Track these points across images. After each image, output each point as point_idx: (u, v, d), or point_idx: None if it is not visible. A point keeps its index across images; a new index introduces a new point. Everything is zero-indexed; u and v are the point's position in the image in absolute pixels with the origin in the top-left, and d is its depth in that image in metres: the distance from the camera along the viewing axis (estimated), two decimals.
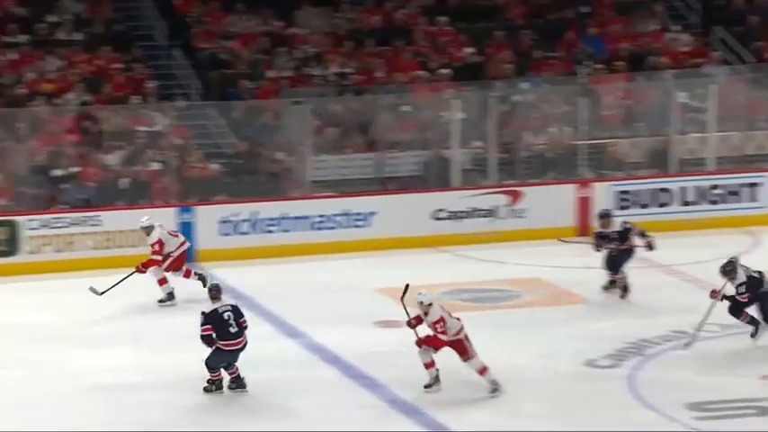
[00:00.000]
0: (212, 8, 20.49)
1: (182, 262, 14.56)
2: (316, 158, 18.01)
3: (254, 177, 17.74)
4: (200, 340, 10.96)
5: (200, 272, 14.63)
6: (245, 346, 11.06)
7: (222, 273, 15.73)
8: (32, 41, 19.02)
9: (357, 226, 17.24)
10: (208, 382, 11.06)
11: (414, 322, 10.97)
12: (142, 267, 14.36)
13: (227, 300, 11.25)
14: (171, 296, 14.37)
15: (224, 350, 10.94)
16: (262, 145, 18.10)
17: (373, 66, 19.96)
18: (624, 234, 14.14)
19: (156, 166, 17.46)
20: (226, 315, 10.96)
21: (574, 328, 13.20)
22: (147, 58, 19.58)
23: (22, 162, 16.95)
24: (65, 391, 11.25)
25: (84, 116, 17.70)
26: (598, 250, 14.28)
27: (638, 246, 14.16)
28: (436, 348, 10.90)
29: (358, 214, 17.27)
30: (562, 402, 11.00)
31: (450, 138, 18.18)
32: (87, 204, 16.65)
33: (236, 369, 11.10)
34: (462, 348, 10.90)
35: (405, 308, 11.16)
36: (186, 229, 16.39)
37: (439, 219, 17.44)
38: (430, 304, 10.88)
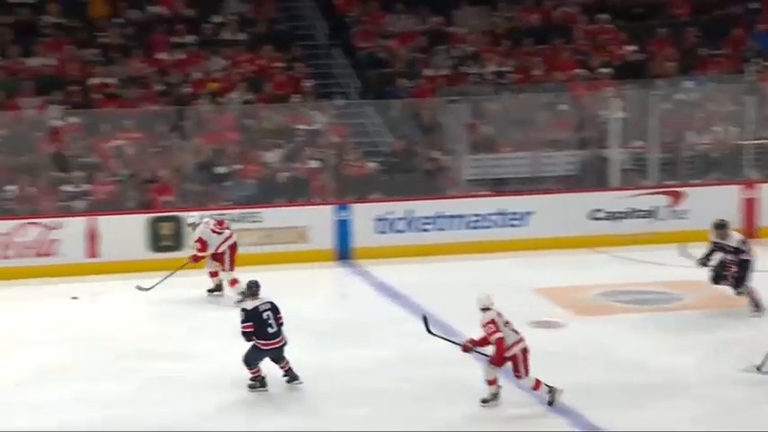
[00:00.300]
0: (372, 8, 20.68)
1: (228, 256, 14.55)
2: (471, 157, 17.98)
3: (409, 176, 17.82)
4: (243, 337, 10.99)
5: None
6: (284, 344, 11.05)
7: (377, 271, 15.90)
8: (199, 42, 19.51)
9: (513, 225, 17.13)
10: (251, 380, 11.06)
11: (470, 345, 10.68)
12: (192, 261, 14.62)
13: (265, 297, 11.17)
14: (218, 287, 14.58)
15: (261, 349, 10.95)
16: (418, 143, 18.18)
17: (531, 64, 19.83)
18: (739, 248, 13.57)
19: (314, 163, 17.70)
20: (265, 315, 10.95)
21: (735, 331, 12.84)
22: (308, 57, 19.87)
23: (188, 159, 17.40)
24: (222, 383, 11.40)
25: (245, 114, 18.08)
26: (704, 264, 13.70)
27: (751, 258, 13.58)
28: (498, 364, 10.59)
29: (514, 213, 17.16)
30: (725, 408, 10.71)
31: (608, 137, 17.91)
32: (248, 201, 16.99)
33: (287, 362, 11.11)
34: (514, 366, 10.59)
35: (442, 338, 10.91)
36: (343, 226, 16.59)
37: (596, 219, 17.19)
38: (486, 309, 10.60)
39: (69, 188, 16.60)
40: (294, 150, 17.84)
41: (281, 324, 11.04)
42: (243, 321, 10.91)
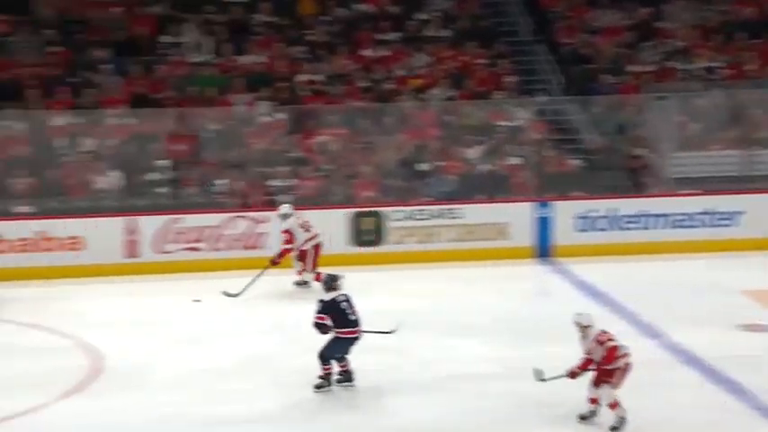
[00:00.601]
0: (576, 3, 20.41)
1: (311, 256, 14.68)
2: (677, 155, 17.50)
3: (612, 173, 17.51)
4: (326, 328, 10.90)
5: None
6: (360, 336, 10.96)
7: (578, 269, 15.69)
8: (403, 38, 19.69)
9: (721, 225, 16.61)
10: (320, 378, 10.92)
11: (578, 371, 10.15)
12: (277, 259, 14.63)
13: (343, 290, 11.10)
14: (306, 283, 14.61)
15: (342, 338, 10.86)
16: (621, 141, 17.82)
17: (744, 59, 19.14)
18: None
19: (515, 160, 17.60)
20: (343, 305, 10.91)
21: None
22: (511, 53, 19.78)
23: (389, 155, 17.58)
24: (422, 379, 11.48)
25: (446, 111, 18.14)
26: None
27: None
28: (612, 384, 10.05)
29: (723, 213, 16.63)
30: None
31: None
32: (448, 197, 17.04)
33: (348, 362, 11.00)
34: (612, 375, 10.02)
35: (551, 378, 10.32)
36: (543, 224, 16.44)
37: None
38: (588, 326, 10.11)
39: (276, 182, 17.04)
40: (495, 147, 17.79)
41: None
42: (318, 312, 10.92)
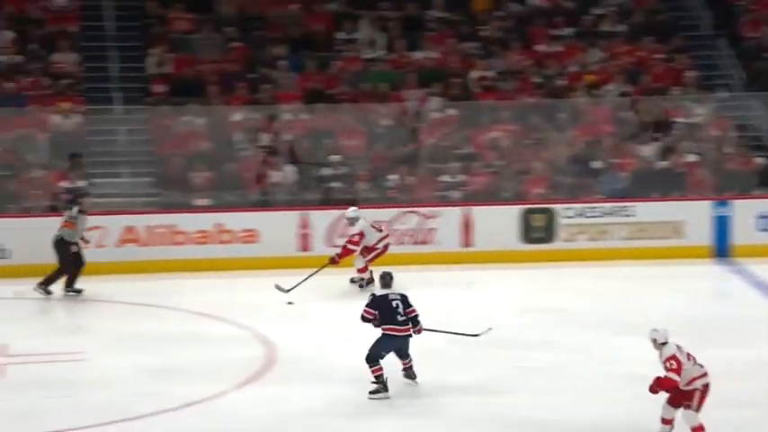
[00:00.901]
0: None
1: (376, 253, 14.65)
2: None
3: None
4: (380, 321, 10.74)
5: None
6: (410, 336, 10.79)
7: (758, 269, 15.20)
8: (577, 33, 19.44)
9: None
10: (374, 382, 10.66)
11: (656, 389, 9.54)
12: (337, 258, 14.50)
13: (397, 290, 10.97)
14: (369, 281, 14.37)
15: (388, 335, 10.71)
16: None
17: None
18: None
19: (692, 157, 17.17)
20: (394, 303, 10.77)
21: None
22: (690, 48, 19.29)
23: (561, 151, 17.39)
24: (594, 377, 11.33)
25: (621, 107, 17.83)
26: None
27: None
28: (691, 407, 9.48)
29: None
30: None
31: None
32: (621, 195, 16.75)
33: (410, 360, 10.86)
34: (689, 398, 9.47)
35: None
36: (721, 222, 15.99)
37: None
38: (664, 343, 9.51)
39: (446, 178, 17.06)
40: (671, 144, 17.38)
41: (414, 316, 10.87)
42: (367, 305, 10.87)
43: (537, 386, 11.01)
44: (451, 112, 17.72)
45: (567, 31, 19.46)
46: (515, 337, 12.40)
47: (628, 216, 16.31)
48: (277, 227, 16.03)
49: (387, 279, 11.11)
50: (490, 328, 11.49)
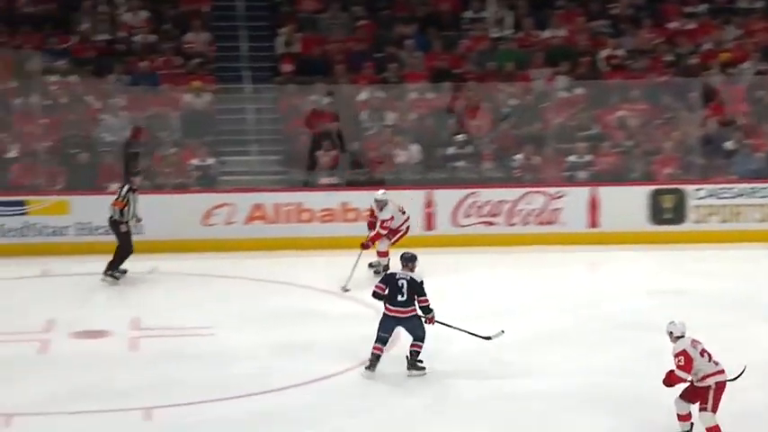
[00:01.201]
0: None
1: (399, 234, 14.44)
2: None
3: None
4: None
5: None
6: (415, 318, 10.74)
7: None
8: (711, 10, 18.96)
9: None
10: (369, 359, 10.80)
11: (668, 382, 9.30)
12: (370, 243, 14.20)
13: (411, 273, 10.90)
14: (386, 267, 14.00)
15: (386, 315, 10.83)
16: None
17: None
18: None
19: None
20: (400, 283, 10.78)
21: None
22: None
23: (693, 131, 17.02)
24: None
25: (757, 86, 17.34)
26: None
27: None
28: (690, 400, 9.23)
29: None
30: None
31: None
32: (755, 176, 16.32)
33: (419, 344, 10.84)
34: (703, 397, 9.15)
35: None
36: None
37: None
38: (679, 336, 9.21)
39: (573, 158, 16.85)
40: None
41: (426, 306, 10.83)
42: (379, 281, 11.06)
43: (662, 369, 10.84)
44: (579, 91, 17.46)
45: (701, 7, 19.00)
46: (640, 320, 12.22)
47: (762, 198, 15.90)
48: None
49: (405, 260, 11.09)
50: (503, 332, 11.34)
